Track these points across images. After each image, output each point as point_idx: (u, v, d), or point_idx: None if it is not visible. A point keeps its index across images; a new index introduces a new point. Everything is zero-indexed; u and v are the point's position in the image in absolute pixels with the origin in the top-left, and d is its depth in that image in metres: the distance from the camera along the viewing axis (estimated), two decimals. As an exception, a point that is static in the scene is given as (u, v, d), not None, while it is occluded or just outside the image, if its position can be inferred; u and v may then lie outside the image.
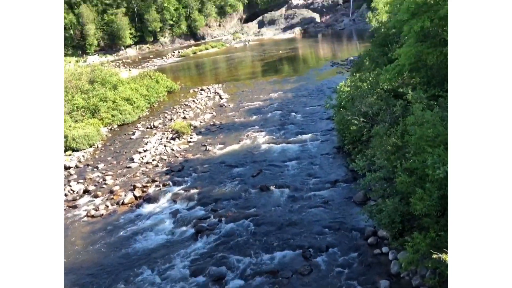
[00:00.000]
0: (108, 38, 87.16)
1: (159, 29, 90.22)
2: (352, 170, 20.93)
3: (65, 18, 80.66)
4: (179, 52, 79.54)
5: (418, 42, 19.64)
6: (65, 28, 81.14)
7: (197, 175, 23.69)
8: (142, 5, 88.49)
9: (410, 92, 16.99)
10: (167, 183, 23.12)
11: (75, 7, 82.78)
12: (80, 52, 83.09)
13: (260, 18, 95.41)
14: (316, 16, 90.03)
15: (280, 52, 64.58)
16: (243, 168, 23.65)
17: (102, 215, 20.82)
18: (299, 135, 27.08)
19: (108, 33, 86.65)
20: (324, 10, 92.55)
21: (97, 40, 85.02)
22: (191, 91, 44.97)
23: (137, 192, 22.42)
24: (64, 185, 24.32)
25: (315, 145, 25.16)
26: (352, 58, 49.11)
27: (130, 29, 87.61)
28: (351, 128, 19.78)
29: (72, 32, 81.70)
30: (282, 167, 23.06)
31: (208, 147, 27.40)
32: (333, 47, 66.69)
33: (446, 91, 17.92)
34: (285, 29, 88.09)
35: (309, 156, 23.87)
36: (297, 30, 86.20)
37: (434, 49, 18.98)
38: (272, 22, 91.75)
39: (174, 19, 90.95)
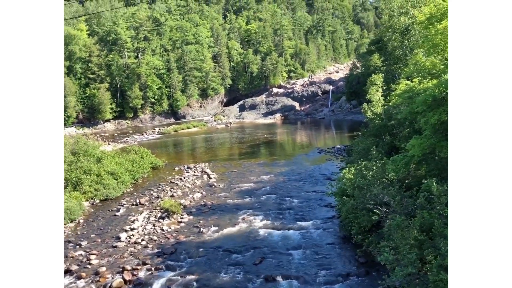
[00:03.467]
0: (87, 111, 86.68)
1: (140, 106, 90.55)
2: (363, 262, 19.86)
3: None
4: (159, 129, 79.19)
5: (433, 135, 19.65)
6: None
7: (192, 259, 21.83)
8: (126, 82, 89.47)
9: (434, 184, 16.44)
10: (160, 266, 21.12)
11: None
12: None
13: (241, 102, 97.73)
14: (296, 105, 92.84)
15: (265, 136, 65.01)
16: (243, 255, 22.01)
17: (87, 301, 18.51)
18: (299, 222, 25.89)
19: (88, 106, 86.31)
20: (304, 99, 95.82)
21: (76, 112, 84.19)
22: (176, 168, 43.71)
23: (127, 276, 20.24)
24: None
25: (318, 234, 23.96)
26: (339, 146, 49.64)
27: (111, 104, 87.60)
28: (372, 218, 18.84)
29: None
30: (286, 255, 21.58)
31: (201, 229, 25.72)
32: (314, 134, 67.85)
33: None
34: (266, 114, 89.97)
35: (314, 245, 22.55)
36: (278, 116, 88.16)
37: (447, 142, 18.95)
38: (253, 107, 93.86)
39: (156, 97, 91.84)
